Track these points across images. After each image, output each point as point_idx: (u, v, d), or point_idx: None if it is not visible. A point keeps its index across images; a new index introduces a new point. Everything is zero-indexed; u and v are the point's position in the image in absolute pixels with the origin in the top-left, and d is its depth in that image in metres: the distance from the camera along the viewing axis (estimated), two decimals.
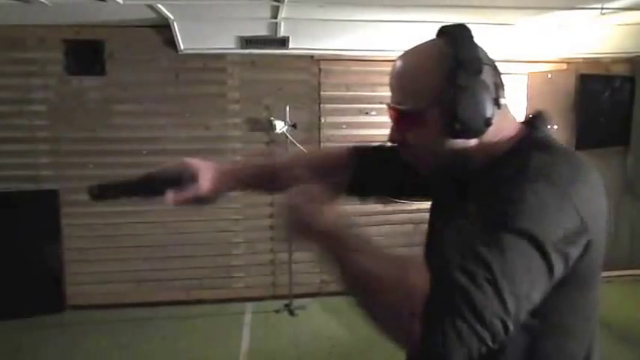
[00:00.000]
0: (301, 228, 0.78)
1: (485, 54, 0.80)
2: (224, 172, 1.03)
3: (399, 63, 0.83)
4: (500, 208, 0.68)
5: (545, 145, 0.78)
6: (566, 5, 2.78)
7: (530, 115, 0.85)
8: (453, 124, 0.76)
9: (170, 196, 0.98)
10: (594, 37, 3.43)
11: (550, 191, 0.68)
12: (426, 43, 0.84)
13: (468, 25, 0.80)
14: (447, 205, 0.90)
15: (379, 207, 3.65)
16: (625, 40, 3.49)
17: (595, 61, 3.82)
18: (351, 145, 1.10)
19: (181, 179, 0.98)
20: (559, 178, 0.70)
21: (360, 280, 0.70)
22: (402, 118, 0.82)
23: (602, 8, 2.75)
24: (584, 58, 3.78)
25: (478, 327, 0.60)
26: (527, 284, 0.63)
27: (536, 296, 0.65)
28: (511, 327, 0.62)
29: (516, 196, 0.67)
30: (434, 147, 0.81)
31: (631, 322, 3.26)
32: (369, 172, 1.06)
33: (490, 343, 0.61)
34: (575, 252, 0.69)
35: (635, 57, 3.81)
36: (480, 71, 0.76)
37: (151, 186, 0.98)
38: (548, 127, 0.83)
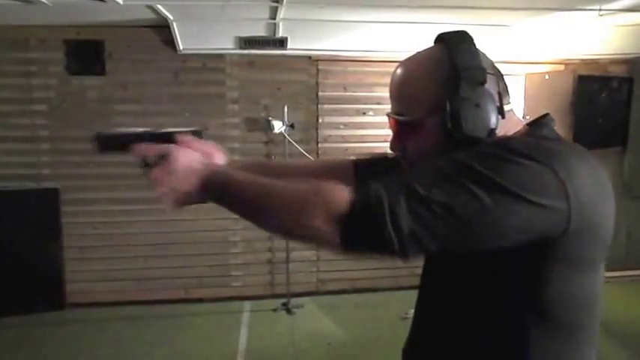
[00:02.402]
0: (184, 174, 0.80)
1: (488, 61, 0.78)
2: (231, 160, 1.02)
3: (398, 71, 0.82)
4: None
5: (542, 136, 0.76)
6: (564, 6, 2.79)
7: (535, 118, 0.83)
8: (457, 135, 0.74)
9: None
10: (592, 39, 3.43)
11: (528, 162, 0.67)
12: (425, 51, 0.82)
13: (468, 32, 0.79)
14: None
15: None
16: (623, 41, 3.50)
17: (593, 62, 3.82)
18: (353, 157, 1.08)
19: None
20: (541, 153, 0.68)
21: (265, 198, 0.74)
22: (402, 127, 0.82)
23: (600, 9, 2.75)
24: (582, 59, 3.79)
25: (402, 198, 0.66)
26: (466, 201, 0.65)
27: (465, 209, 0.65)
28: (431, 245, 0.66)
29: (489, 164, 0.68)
30: (435, 156, 0.78)
31: (628, 322, 3.27)
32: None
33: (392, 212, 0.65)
34: (555, 212, 0.66)
35: (633, 58, 3.81)
36: (483, 82, 0.75)
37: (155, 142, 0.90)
38: (555, 127, 0.80)
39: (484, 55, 0.79)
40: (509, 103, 0.79)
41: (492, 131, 0.75)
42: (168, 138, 0.89)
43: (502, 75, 0.80)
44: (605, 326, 2.97)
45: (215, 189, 0.80)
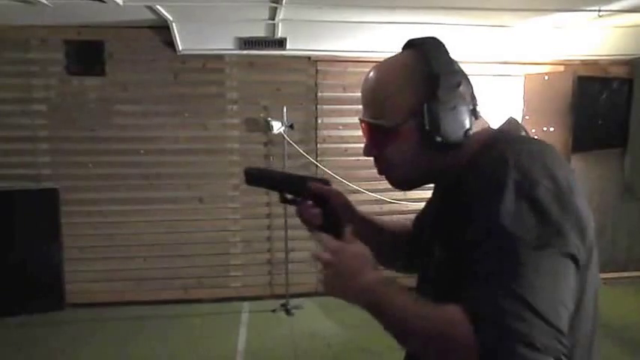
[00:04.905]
0: (344, 284, 0.77)
1: (459, 66, 0.80)
2: (355, 216, 1.03)
3: (372, 76, 0.82)
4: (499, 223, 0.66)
5: (505, 139, 0.77)
6: (563, 7, 2.79)
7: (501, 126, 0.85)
8: (435, 137, 0.76)
9: (305, 205, 0.99)
10: (592, 40, 3.43)
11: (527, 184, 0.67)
12: (398, 55, 0.83)
13: (439, 39, 0.80)
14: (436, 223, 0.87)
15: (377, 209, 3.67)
16: (623, 42, 3.49)
17: (593, 63, 3.82)
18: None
19: (322, 197, 0.99)
20: (526, 168, 0.69)
21: (405, 329, 0.71)
22: (377, 132, 0.81)
23: (599, 10, 2.75)
24: (582, 60, 3.78)
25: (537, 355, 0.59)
26: (560, 291, 0.63)
27: (569, 294, 0.65)
28: (563, 339, 0.61)
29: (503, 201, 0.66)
30: (411, 159, 0.80)
31: (628, 324, 3.26)
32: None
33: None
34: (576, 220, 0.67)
35: (633, 59, 3.81)
36: (459, 85, 0.77)
37: (294, 190, 1.02)
38: (519, 129, 0.82)
39: (455, 60, 0.80)
40: (478, 105, 0.81)
41: (468, 131, 0.77)
42: (303, 183, 1.01)
43: (469, 79, 0.81)
44: (606, 328, 2.98)
45: (367, 303, 0.75)
